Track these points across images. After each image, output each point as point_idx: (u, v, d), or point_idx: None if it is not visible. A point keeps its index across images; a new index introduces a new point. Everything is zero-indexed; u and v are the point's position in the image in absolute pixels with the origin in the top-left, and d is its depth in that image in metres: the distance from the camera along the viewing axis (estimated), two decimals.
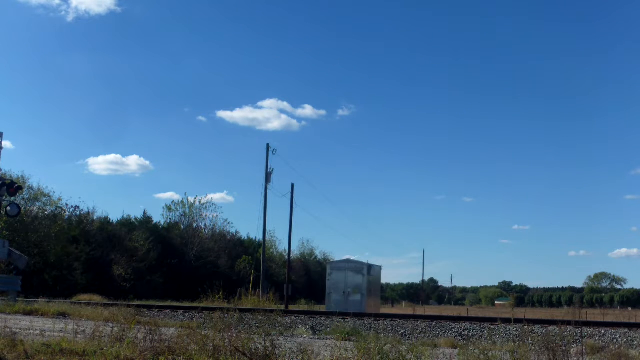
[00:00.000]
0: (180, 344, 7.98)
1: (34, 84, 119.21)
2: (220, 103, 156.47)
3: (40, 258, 41.76)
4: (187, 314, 20.13)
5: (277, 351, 7.53)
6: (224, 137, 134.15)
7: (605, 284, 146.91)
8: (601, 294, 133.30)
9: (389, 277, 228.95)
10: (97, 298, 30.96)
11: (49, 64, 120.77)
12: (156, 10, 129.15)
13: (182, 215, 65.26)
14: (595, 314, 43.06)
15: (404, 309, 68.44)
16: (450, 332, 16.59)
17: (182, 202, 65.57)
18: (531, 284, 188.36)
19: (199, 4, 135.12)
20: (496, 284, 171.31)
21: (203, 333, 8.24)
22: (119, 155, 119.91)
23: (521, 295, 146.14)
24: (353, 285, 31.77)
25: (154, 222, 63.58)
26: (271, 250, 70.98)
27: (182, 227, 64.19)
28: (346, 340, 9.98)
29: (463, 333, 16.44)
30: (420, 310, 51.02)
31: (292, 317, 18.70)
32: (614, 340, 14.28)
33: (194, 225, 64.83)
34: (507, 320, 15.95)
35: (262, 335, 7.81)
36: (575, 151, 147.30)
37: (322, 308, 38.16)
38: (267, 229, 49.99)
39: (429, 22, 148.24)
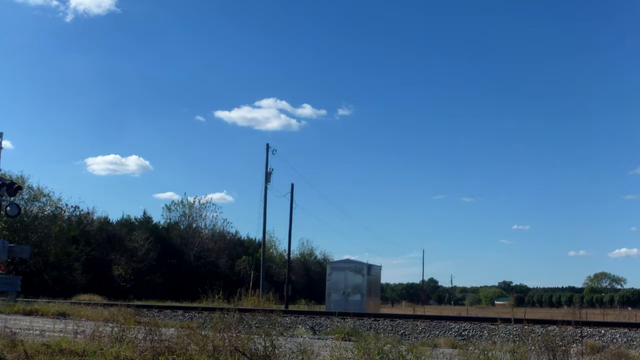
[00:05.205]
0: (180, 344, 7.98)
1: (33, 84, 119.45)
2: (219, 103, 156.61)
3: (40, 258, 41.74)
4: (186, 314, 20.11)
5: (277, 351, 7.52)
6: (223, 137, 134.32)
7: (605, 284, 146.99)
8: (601, 294, 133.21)
9: (389, 277, 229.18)
10: (96, 298, 30.97)
11: (48, 64, 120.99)
12: (155, 10, 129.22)
13: (181, 215, 65.25)
14: (595, 314, 43.01)
15: (404, 309, 68.45)
16: (450, 332, 16.58)
17: (182, 202, 65.58)
18: (531, 284, 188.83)
19: (198, 4, 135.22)
20: (496, 284, 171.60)
21: (203, 333, 8.23)
22: (118, 156, 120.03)
23: (521, 295, 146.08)
24: (353, 285, 31.75)
25: (154, 222, 63.65)
26: (271, 250, 70.95)
27: (182, 227, 64.15)
28: (346, 340, 9.97)
29: (463, 333, 16.43)
30: (420, 310, 51.01)
31: (292, 317, 18.67)
32: (614, 340, 14.27)
33: (194, 225, 64.80)
34: (507, 320, 15.93)
35: (262, 335, 7.81)
36: (574, 151, 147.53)
37: (322, 308, 38.14)
38: (267, 229, 50.07)
39: (429, 22, 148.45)
